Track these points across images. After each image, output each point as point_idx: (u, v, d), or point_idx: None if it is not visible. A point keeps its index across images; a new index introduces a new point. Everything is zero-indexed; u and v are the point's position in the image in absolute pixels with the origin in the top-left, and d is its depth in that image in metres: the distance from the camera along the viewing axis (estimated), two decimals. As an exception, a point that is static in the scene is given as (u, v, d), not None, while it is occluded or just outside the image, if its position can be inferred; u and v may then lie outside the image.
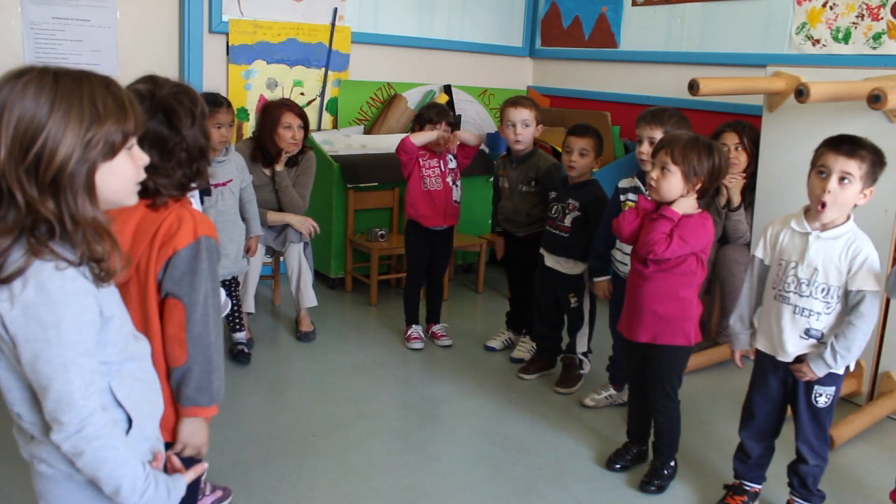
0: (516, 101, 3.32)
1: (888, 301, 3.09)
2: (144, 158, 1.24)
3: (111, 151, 1.16)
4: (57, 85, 1.12)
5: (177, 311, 1.45)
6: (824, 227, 2.14)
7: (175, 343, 1.45)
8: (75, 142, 1.11)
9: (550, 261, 3.22)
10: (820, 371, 2.15)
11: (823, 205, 2.09)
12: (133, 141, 1.21)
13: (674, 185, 2.28)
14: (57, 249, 1.12)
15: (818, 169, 2.12)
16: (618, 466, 2.62)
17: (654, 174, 2.30)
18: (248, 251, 3.34)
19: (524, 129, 3.29)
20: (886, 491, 2.47)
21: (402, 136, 4.57)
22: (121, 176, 1.19)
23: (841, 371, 2.18)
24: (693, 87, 3.06)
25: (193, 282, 1.44)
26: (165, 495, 1.27)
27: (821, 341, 2.16)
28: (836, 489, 2.53)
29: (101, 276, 1.17)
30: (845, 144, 2.09)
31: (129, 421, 1.25)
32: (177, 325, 1.45)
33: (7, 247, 1.11)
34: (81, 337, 1.15)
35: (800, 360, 2.20)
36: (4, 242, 1.11)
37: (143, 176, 1.25)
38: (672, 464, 2.55)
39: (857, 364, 3.16)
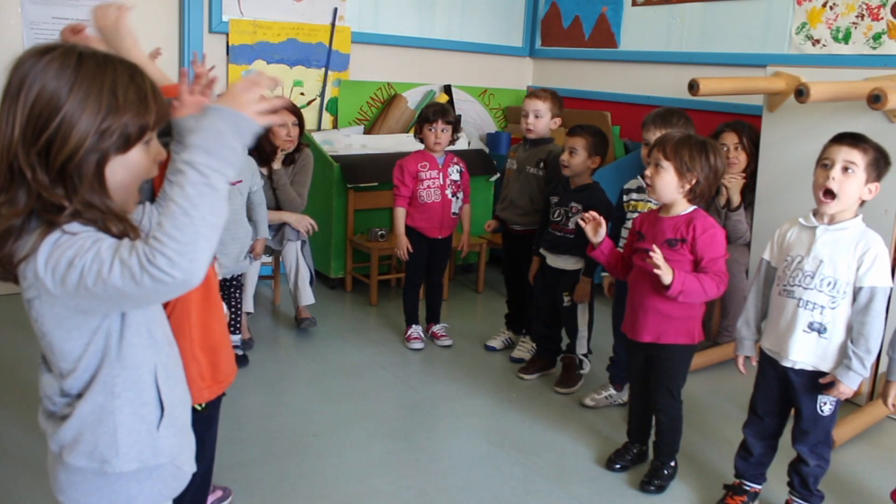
0: (532, 92, 3.48)
1: (889, 301, 3.08)
2: (162, 153, 1.19)
3: (125, 144, 1.11)
4: (80, 67, 1.07)
5: None
6: (832, 221, 2.15)
7: None
8: (89, 129, 1.07)
9: (552, 260, 3.23)
10: (854, 383, 2.12)
11: (827, 191, 2.10)
12: (151, 135, 1.15)
13: (668, 182, 2.31)
14: (70, 226, 1.08)
15: (822, 162, 2.15)
16: (618, 466, 2.62)
17: (649, 172, 2.36)
18: (253, 252, 3.34)
19: (535, 119, 3.40)
20: (886, 491, 2.47)
21: (402, 135, 4.61)
22: (132, 169, 1.14)
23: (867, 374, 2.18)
24: (693, 87, 3.06)
25: None
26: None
27: (822, 336, 2.14)
28: (835, 489, 2.53)
29: None
30: (848, 137, 2.13)
31: (162, 410, 1.22)
32: None
33: (20, 225, 1.07)
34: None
35: (820, 376, 2.18)
36: (17, 222, 1.07)
37: (154, 173, 1.19)
38: (672, 464, 2.55)
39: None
